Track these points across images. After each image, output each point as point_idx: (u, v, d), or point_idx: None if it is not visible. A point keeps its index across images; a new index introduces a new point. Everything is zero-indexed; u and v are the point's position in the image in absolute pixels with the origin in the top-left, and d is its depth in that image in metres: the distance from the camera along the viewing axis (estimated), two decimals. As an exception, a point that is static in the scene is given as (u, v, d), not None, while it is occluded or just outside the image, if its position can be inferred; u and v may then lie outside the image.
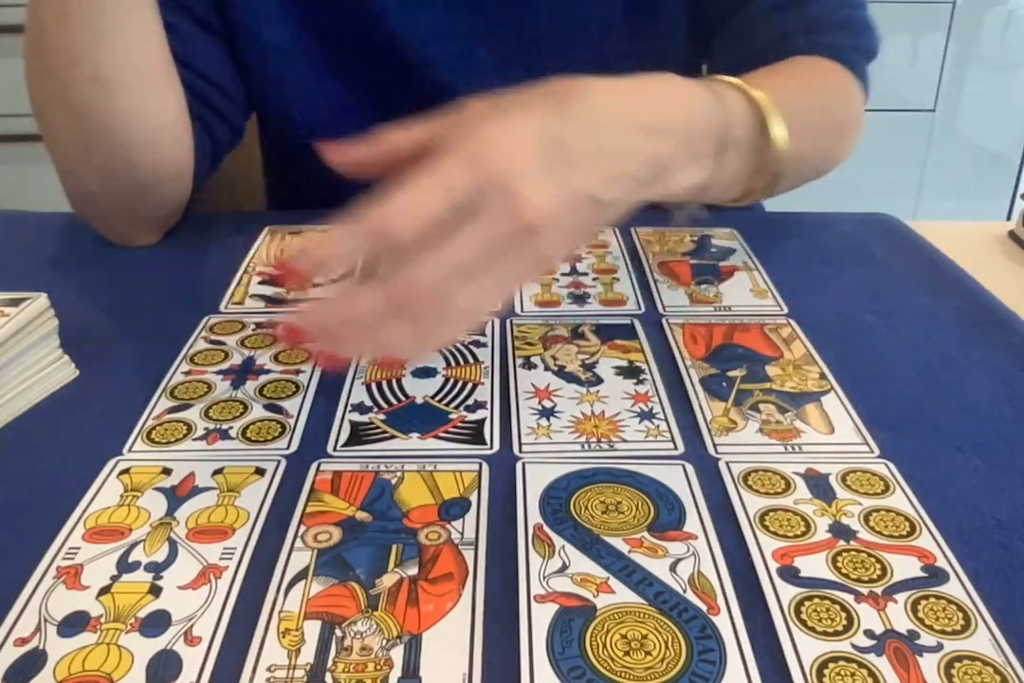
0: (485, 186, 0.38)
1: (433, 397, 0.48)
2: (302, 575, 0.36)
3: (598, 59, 0.72)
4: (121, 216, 0.65)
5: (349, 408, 0.47)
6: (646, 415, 0.47)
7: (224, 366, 0.51)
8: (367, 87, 0.73)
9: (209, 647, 0.33)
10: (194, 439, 0.45)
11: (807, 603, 0.35)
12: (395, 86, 0.72)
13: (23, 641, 0.33)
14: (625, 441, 0.45)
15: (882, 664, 0.32)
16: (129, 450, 0.44)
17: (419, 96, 0.72)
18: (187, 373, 0.50)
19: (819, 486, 0.41)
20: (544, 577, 0.36)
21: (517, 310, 0.57)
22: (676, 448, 0.44)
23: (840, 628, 0.34)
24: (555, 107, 0.42)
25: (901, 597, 0.35)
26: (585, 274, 0.62)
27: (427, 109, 0.74)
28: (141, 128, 0.61)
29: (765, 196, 0.58)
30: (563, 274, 0.62)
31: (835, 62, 0.65)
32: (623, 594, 0.35)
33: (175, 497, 0.41)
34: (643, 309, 0.58)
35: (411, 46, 0.70)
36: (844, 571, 0.36)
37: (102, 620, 0.34)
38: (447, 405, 0.48)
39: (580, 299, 0.59)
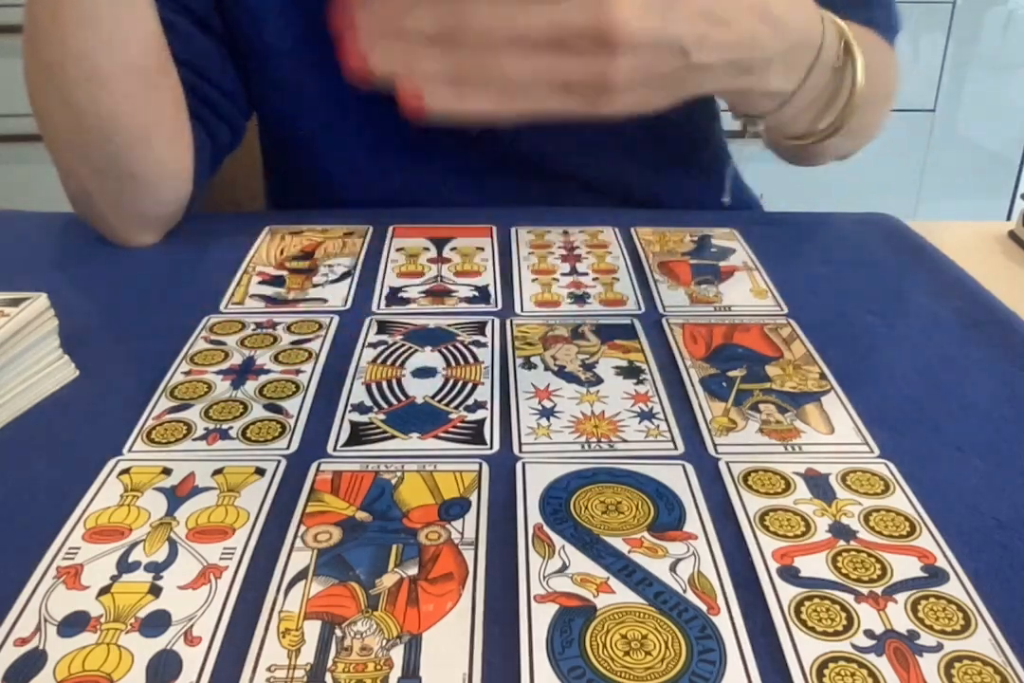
0: None
1: (433, 397, 0.48)
2: (302, 575, 0.36)
3: None
4: (120, 216, 0.65)
5: (349, 408, 0.47)
6: (646, 415, 0.47)
7: (224, 366, 0.51)
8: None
9: (209, 647, 0.33)
10: (194, 439, 0.45)
11: (807, 603, 0.35)
12: None
13: (23, 641, 0.33)
14: (625, 441, 0.45)
15: (882, 664, 0.32)
16: (129, 450, 0.44)
17: None
18: (187, 373, 0.50)
19: (819, 486, 0.41)
20: (544, 577, 0.36)
21: (517, 310, 0.57)
22: (676, 448, 0.44)
23: (840, 628, 0.34)
24: None
25: (901, 597, 0.35)
26: (585, 274, 0.62)
27: None
28: (138, 126, 0.61)
29: (822, 139, 0.56)
30: (563, 274, 0.62)
31: (880, 36, 0.65)
32: (623, 594, 0.35)
33: (175, 497, 0.41)
34: (643, 309, 0.58)
35: None
36: (844, 571, 0.36)
37: (102, 620, 0.34)
38: (447, 405, 0.48)
39: (580, 299, 0.59)
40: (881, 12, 0.68)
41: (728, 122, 0.84)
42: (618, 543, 0.38)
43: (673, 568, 0.36)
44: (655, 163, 0.78)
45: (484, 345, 0.53)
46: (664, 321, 0.56)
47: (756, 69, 0.44)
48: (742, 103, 0.50)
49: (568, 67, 0.37)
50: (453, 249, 0.66)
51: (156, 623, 0.34)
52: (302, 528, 0.39)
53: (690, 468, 0.43)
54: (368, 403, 0.48)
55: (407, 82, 0.37)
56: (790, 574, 0.36)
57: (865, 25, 0.64)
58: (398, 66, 0.37)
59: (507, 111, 0.38)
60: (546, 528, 0.39)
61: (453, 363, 0.51)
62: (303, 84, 0.71)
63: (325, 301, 0.59)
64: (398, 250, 0.66)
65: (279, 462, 0.43)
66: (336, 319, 0.56)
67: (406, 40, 0.36)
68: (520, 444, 0.44)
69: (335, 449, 0.44)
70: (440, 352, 0.52)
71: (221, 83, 0.68)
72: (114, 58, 0.59)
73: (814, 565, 0.37)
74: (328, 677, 0.32)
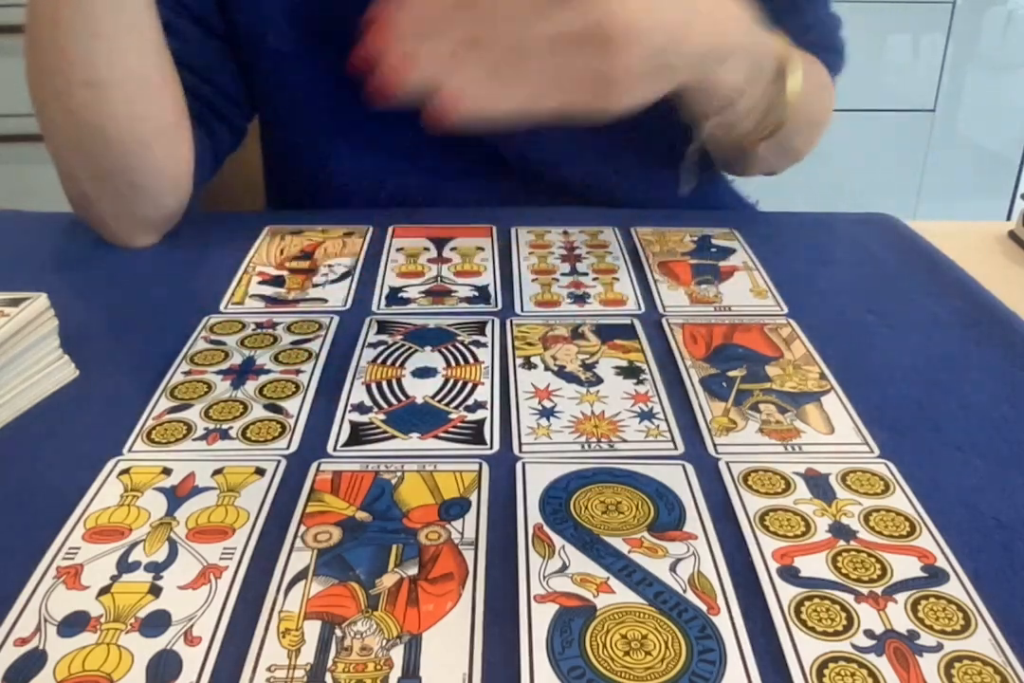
0: None
1: (433, 397, 0.48)
2: (302, 575, 0.36)
3: None
4: (118, 218, 0.65)
5: (349, 408, 0.47)
6: (646, 415, 0.47)
7: (224, 366, 0.51)
8: None
9: (209, 647, 0.33)
10: (194, 439, 0.45)
11: (807, 603, 0.35)
12: None
13: (23, 641, 0.33)
14: (625, 441, 0.45)
15: (882, 664, 0.32)
16: (129, 450, 0.44)
17: None
18: (187, 373, 0.50)
19: (819, 486, 0.41)
20: (544, 577, 0.36)
21: (517, 310, 0.57)
22: (676, 448, 0.44)
23: (840, 628, 0.34)
24: None
25: (901, 597, 0.35)
26: (585, 274, 0.62)
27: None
28: (137, 132, 0.61)
29: (762, 139, 0.64)
30: (563, 274, 0.62)
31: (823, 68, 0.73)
32: (623, 594, 0.35)
33: (175, 497, 0.41)
34: (643, 309, 0.58)
35: None
36: (844, 571, 0.37)
37: (102, 620, 0.34)
38: (447, 405, 0.48)
39: (580, 299, 0.59)
40: (829, 53, 0.73)
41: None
42: (618, 543, 0.38)
43: (673, 568, 0.36)
44: (642, 168, 0.78)
45: (484, 345, 0.53)
46: (664, 321, 0.56)
47: (721, 60, 0.53)
48: (700, 100, 0.57)
49: (581, 64, 0.43)
50: (453, 249, 0.66)
51: (156, 623, 0.34)
52: (302, 528, 0.39)
53: (690, 468, 0.43)
54: (368, 403, 0.48)
55: (446, 87, 0.41)
56: (790, 574, 0.36)
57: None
58: (434, 72, 0.41)
59: (532, 109, 0.42)
60: (546, 528, 0.39)
61: (453, 363, 0.51)
62: (308, 87, 0.71)
63: (325, 301, 0.59)
64: (398, 250, 0.66)
65: (279, 462, 0.43)
66: (336, 319, 0.56)
67: (437, 49, 0.41)
68: (520, 444, 0.44)
69: (335, 449, 0.44)
70: (440, 352, 0.52)
71: (223, 85, 0.68)
72: (113, 65, 0.59)
73: (814, 565, 0.37)
74: (328, 677, 0.32)
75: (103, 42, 0.58)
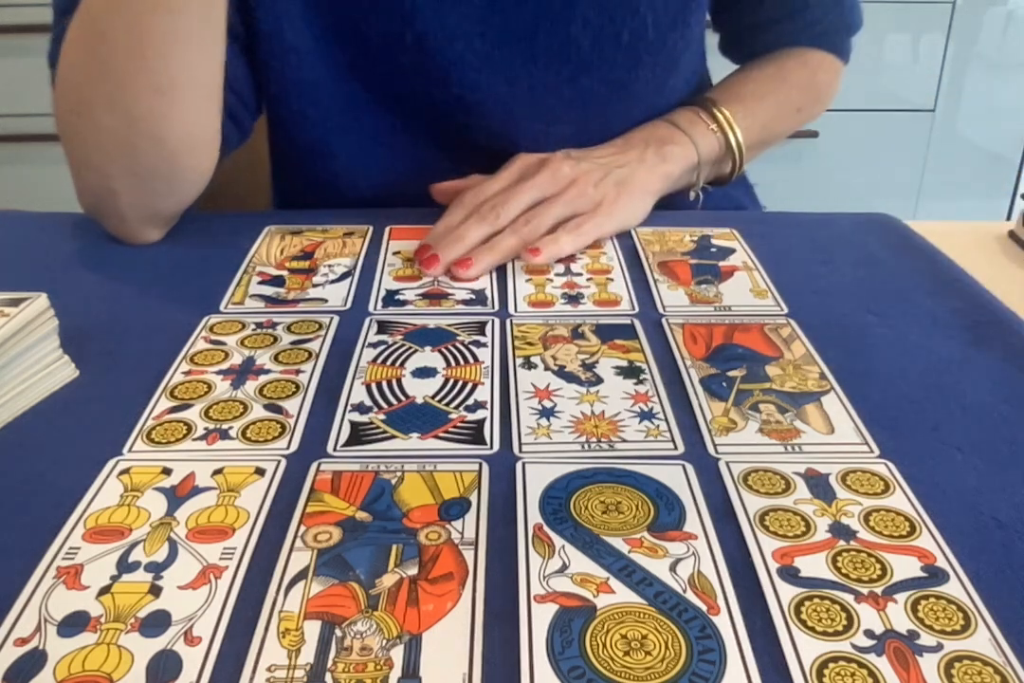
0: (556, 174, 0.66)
1: (433, 397, 0.48)
2: (302, 575, 0.36)
3: (626, 66, 0.72)
4: (138, 214, 0.65)
5: (349, 408, 0.47)
6: (646, 415, 0.47)
7: (224, 366, 0.51)
8: (390, 86, 0.72)
9: (209, 647, 0.33)
10: (194, 439, 0.45)
11: (807, 603, 0.35)
12: (418, 85, 0.72)
13: (23, 641, 0.33)
14: (625, 441, 0.45)
15: (882, 664, 0.32)
16: (129, 450, 0.44)
17: (444, 93, 0.72)
18: (187, 373, 0.50)
19: (819, 486, 0.41)
20: (544, 577, 0.36)
21: (511, 310, 0.57)
22: (676, 448, 0.44)
23: (840, 628, 0.34)
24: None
25: (901, 597, 0.35)
26: (579, 275, 0.62)
27: (447, 107, 0.76)
28: (191, 135, 0.62)
29: (732, 177, 0.79)
30: (557, 274, 0.62)
31: (819, 50, 0.81)
32: (623, 594, 0.35)
33: (175, 497, 0.41)
34: (637, 310, 0.58)
35: (440, 44, 0.70)
36: (844, 571, 0.37)
37: (102, 620, 0.34)
38: (447, 405, 0.48)
39: (574, 299, 0.59)
40: (838, 16, 0.81)
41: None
42: (618, 543, 0.38)
43: (673, 568, 0.36)
44: None
45: (484, 345, 0.53)
46: (664, 321, 0.56)
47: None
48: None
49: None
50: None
51: (156, 623, 0.34)
52: (302, 528, 0.39)
53: (690, 468, 0.43)
54: (368, 403, 0.48)
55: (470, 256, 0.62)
56: (790, 574, 0.36)
57: (812, 41, 0.81)
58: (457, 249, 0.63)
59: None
60: (546, 528, 0.39)
61: (453, 363, 0.51)
62: (321, 85, 0.71)
63: (325, 301, 0.59)
64: (395, 253, 0.66)
65: (279, 462, 0.43)
66: (336, 319, 0.56)
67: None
68: (520, 444, 0.44)
69: (335, 449, 0.44)
70: (440, 352, 0.52)
71: (235, 85, 0.69)
72: (189, 74, 0.60)
73: (814, 565, 0.37)
74: (328, 677, 0.32)
75: (188, 50, 0.59)
